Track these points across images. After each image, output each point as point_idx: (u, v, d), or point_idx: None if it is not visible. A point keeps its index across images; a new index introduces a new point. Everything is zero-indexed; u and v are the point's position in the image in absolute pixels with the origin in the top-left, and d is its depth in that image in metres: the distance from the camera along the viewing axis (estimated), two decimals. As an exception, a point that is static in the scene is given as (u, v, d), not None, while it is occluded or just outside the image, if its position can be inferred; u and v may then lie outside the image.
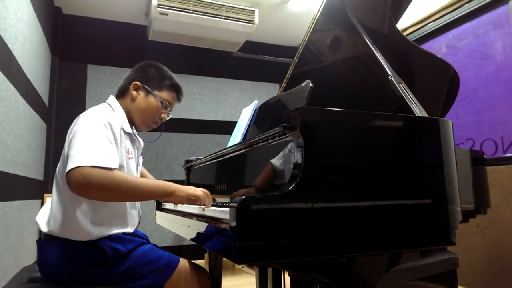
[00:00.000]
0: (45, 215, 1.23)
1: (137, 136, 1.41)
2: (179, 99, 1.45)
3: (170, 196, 1.16)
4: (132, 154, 1.31)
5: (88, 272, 1.15)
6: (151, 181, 1.17)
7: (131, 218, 1.29)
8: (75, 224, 1.16)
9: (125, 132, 1.27)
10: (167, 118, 1.43)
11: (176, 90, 1.42)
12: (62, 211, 1.17)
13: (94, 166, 1.04)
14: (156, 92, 1.36)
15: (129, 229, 1.28)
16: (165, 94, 1.38)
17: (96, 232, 1.17)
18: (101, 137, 1.13)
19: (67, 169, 1.04)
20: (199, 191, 1.17)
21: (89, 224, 1.17)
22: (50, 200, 1.24)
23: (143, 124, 1.38)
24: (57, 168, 1.24)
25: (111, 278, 1.17)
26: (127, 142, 1.27)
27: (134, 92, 1.34)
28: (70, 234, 1.16)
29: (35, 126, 2.54)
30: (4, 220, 1.81)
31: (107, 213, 1.21)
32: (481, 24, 2.50)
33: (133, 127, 1.40)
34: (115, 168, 1.09)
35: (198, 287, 1.26)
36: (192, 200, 1.16)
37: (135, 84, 1.35)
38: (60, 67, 3.24)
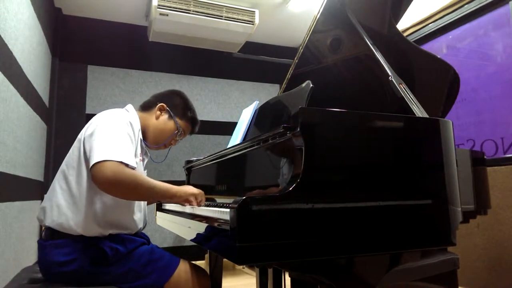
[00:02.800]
0: (48, 209, 1.21)
1: (147, 149, 1.46)
2: (193, 132, 1.54)
3: (173, 198, 1.24)
4: (141, 157, 1.35)
5: (89, 271, 1.16)
6: (160, 183, 1.22)
7: (137, 219, 1.31)
8: (88, 218, 1.17)
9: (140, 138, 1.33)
10: (175, 145, 1.52)
11: (194, 124, 1.52)
12: (69, 204, 1.18)
13: (121, 163, 1.09)
14: (177, 119, 1.45)
15: (132, 231, 1.29)
16: (183, 124, 1.48)
17: (100, 227, 1.19)
18: (124, 133, 1.18)
19: (94, 161, 1.08)
20: (196, 191, 1.28)
21: (101, 220, 1.19)
22: (49, 196, 1.23)
23: (155, 142, 1.45)
24: (66, 163, 1.24)
25: (111, 278, 1.17)
26: (139, 146, 1.32)
27: (158, 112, 1.43)
28: (72, 228, 1.17)
29: (35, 127, 2.54)
30: (4, 220, 1.81)
31: (116, 210, 1.22)
32: (481, 25, 2.50)
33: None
34: (134, 167, 1.14)
35: (198, 287, 1.27)
36: (188, 200, 1.26)
37: (162, 105, 1.43)
38: (60, 67, 3.24)
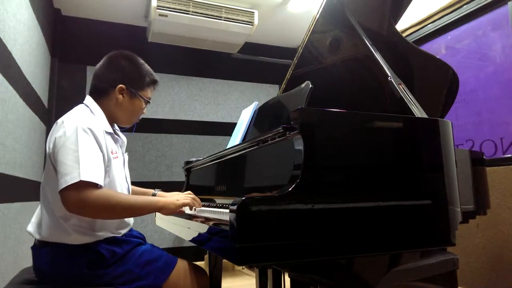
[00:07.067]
0: (36, 223, 1.21)
1: (119, 134, 1.38)
2: (155, 89, 1.43)
3: (161, 210, 1.19)
4: (116, 153, 1.27)
5: (86, 275, 1.14)
6: (141, 198, 1.18)
7: (121, 222, 1.28)
8: (67, 230, 1.15)
9: (107, 133, 1.24)
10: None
11: (154, 83, 1.40)
12: (52, 219, 1.16)
13: (86, 183, 1.04)
14: (140, 93, 1.34)
15: (122, 231, 1.27)
16: (146, 92, 1.37)
17: (89, 235, 1.17)
18: (86, 147, 1.10)
19: (60, 187, 1.04)
20: (186, 199, 1.22)
21: (81, 229, 1.16)
22: (38, 212, 1.23)
23: (128, 123, 1.38)
24: (43, 180, 1.21)
25: (109, 280, 1.16)
26: (110, 142, 1.24)
27: (120, 96, 1.30)
28: (62, 238, 1.15)
29: (35, 128, 2.53)
30: (3, 222, 1.81)
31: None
32: (480, 25, 2.51)
33: (114, 125, 1.37)
34: (101, 185, 1.09)
35: (197, 286, 1.26)
36: (182, 211, 1.22)
37: (121, 87, 1.29)
38: (59, 68, 3.24)
